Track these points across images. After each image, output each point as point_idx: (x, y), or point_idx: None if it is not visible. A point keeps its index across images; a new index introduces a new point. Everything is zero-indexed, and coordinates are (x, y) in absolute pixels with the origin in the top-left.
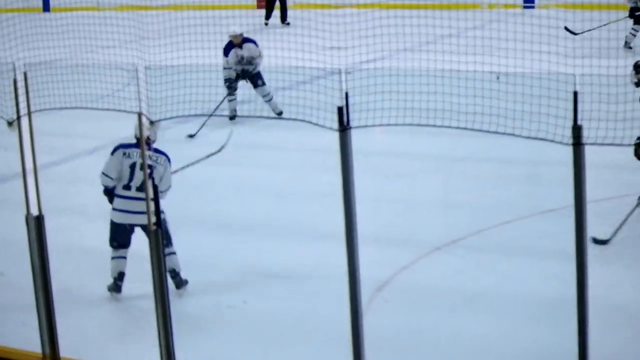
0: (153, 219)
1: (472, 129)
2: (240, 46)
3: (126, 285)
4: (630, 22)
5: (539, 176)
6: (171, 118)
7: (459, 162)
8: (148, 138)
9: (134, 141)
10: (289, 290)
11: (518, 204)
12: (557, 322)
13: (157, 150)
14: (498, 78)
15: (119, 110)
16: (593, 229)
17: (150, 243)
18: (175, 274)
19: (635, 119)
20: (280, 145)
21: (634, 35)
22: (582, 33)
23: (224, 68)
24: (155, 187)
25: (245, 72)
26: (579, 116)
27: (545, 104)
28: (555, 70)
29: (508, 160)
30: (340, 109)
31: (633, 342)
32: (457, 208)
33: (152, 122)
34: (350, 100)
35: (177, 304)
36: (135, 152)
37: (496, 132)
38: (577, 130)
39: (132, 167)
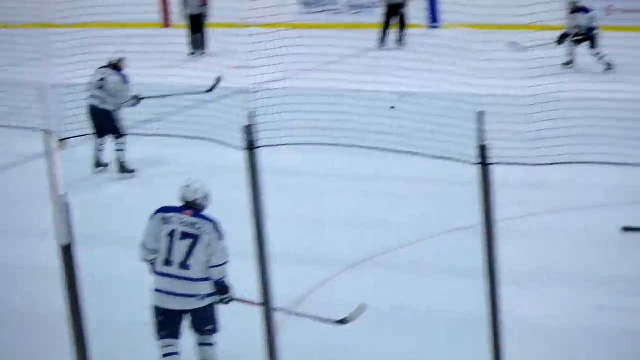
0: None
1: (380, 149)
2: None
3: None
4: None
5: (449, 195)
6: (79, 136)
7: (370, 180)
8: (195, 201)
9: (180, 204)
10: None
11: (429, 222)
12: (472, 339)
13: (203, 217)
14: (400, 99)
15: (26, 128)
16: (504, 247)
17: (62, 260)
18: None
19: (539, 138)
20: (187, 163)
21: (601, 57)
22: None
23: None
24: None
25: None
26: (485, 136)
27: (452, 123)
28: (460, 91)
29: (419, 179)
30: (246, 128)
31: (546, 358)
32: (369, 226)
33: (60, 140)
34: (258, 119)
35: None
36: (176, 218)
37: (402, 152)
38: (482, 149)
39: (171, 235)
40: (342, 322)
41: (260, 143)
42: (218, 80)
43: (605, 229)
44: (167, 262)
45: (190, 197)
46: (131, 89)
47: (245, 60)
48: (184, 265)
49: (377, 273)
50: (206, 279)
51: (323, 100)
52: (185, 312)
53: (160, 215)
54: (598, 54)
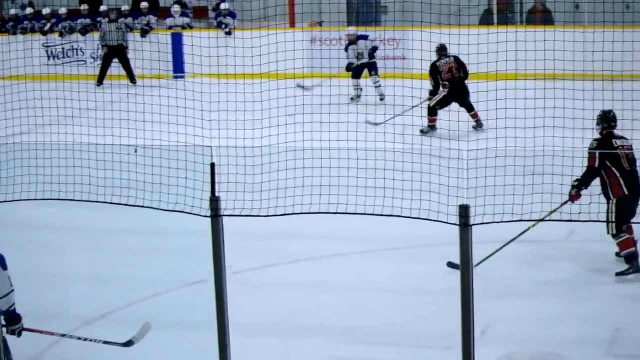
0: None
1: (114, 203)
2: None
3: None
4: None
5: (188, 247)
6: None
7: (105, 235)
8: None
9: None
10: None
11: (168, 275)
12: None
13: None
14: (136, 151)
15: None
16: (239, 299)
17: None
18: None
19: (272, 189)
20: None
21: (378, 86)
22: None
23: None
24: None
25: None
26: (217, 187)
27: (183, 176)
28: (192, 142)
29: (158, 233)
30: None
31: None
32: (107, 281)
33: None
34: None
35: None
36: None
37: (136, 205)
38: (214, 201)
39: None
40: (127, 344)
41: None
42: None
43: (341, 278)
44: None
45: None
46: None
47: None
48: None
49: (113, 329)
50: None
51: (60, 154)
52: None
53: None
54: (377, 82)
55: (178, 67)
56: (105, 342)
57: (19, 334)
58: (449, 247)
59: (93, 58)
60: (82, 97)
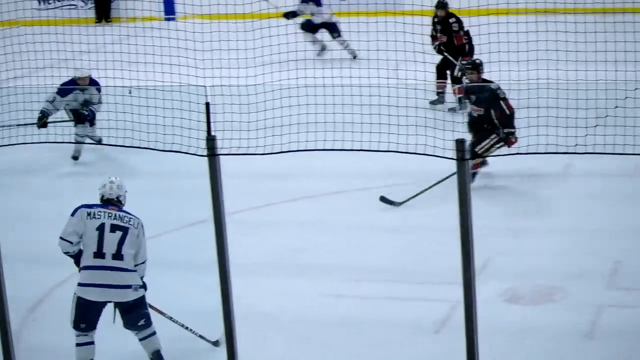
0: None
1: (109, 144)
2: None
3: None
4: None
5: (187, 189)
6: None
7: (105, 177)
8: (118, 199)
9: (97, 202)
10: None
11: (166, 217)
12: (211, 331)
13: (128, 212)
14: (130, 92)
15: None
16: (239, 239)
17: None
18: (158, 356)
19: (267, 127)
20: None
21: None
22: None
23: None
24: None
25: None
26: (213, 127)
27: (179, 116)
28: (186, 82)
29: (156, 174)
30: None
31: (282, 348)
32: None
33: None
34: None
35: None
36: (103, 213)
37: (131, 147)
38: (211, 141)
39: (100, 229)
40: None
41: None
42: None
43: (340, 216)
44: (99, 255)
45: (115, 194)
46: None
47: None
48: (117, 256)
49: None
50: (135, 271)
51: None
52: (120, 304)
53: (84, 210)
54: (343, 42)
55: (169, 8)
56: (200, 337)
57: None
58: (446, 183)
59: (83, 2)
60: (76, 40)
